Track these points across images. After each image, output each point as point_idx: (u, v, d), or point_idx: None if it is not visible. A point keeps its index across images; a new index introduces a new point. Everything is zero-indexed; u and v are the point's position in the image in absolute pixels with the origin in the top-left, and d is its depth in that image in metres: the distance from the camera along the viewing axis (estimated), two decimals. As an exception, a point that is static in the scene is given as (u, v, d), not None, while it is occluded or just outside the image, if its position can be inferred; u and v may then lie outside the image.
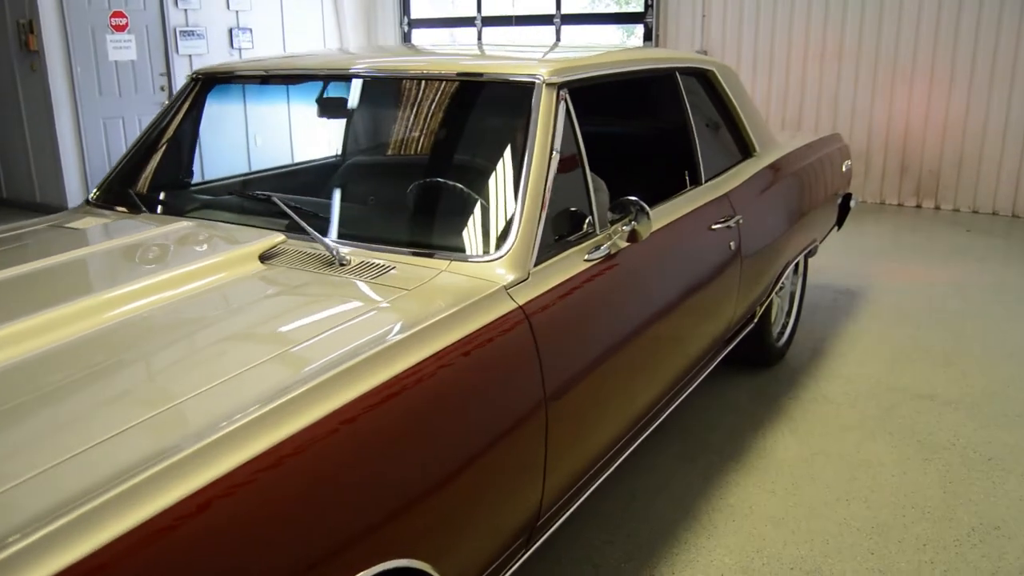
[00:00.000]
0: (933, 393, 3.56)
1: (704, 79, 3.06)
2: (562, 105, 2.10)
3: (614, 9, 8.71)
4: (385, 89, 2.34)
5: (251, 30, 9.13)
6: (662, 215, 2.47)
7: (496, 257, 1.83)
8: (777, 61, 7.78)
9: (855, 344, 4.13)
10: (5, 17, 7.70)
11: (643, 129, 3.45)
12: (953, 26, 6.97)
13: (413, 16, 10.05)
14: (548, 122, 2.03)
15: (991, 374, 3.75)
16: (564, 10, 8.82)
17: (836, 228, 4.58)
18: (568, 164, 2.10)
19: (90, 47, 7.81)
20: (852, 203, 4.59)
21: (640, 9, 8.32)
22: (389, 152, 2.40)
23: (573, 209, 2.09)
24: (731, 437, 3.19)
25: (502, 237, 1.87)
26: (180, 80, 8.57)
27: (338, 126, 2.73)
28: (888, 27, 7.24)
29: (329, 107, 2.46)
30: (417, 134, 2.24)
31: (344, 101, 2.43)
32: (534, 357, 1.74)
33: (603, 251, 2.08)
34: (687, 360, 2.68)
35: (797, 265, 4.10)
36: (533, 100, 2.06)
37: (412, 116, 2.21)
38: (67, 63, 7.69)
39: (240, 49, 9.06)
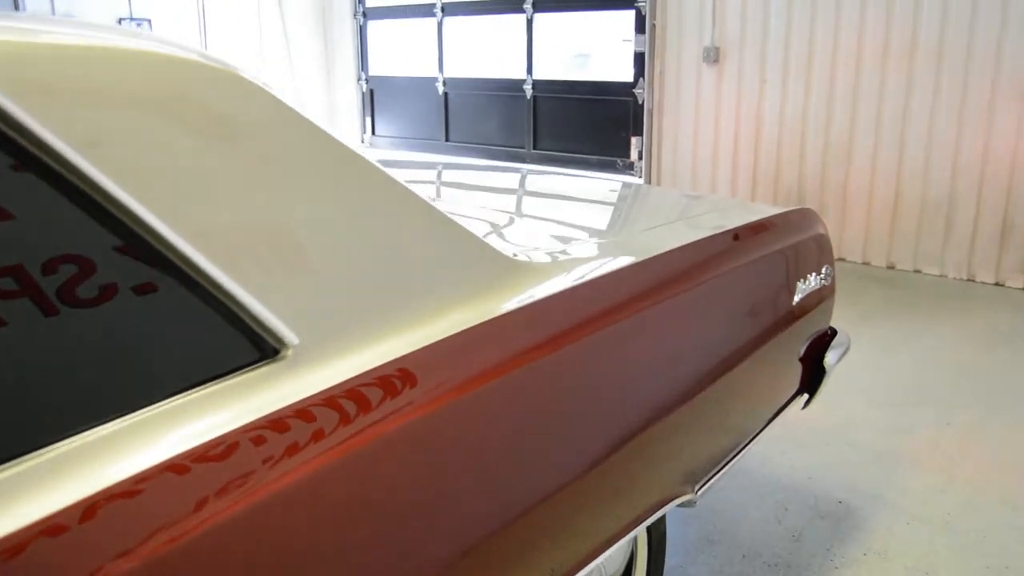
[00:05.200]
0: None
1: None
2: None
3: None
4: None
5: (150, 22, 7.24)
6: None
7: None
8: (818, 65, 5.27)
9: None
10: None
11: None
12: (1094, 9, 4.34)
13: (369, 5, 7.97)
14: None
15: None
16: (538, -6, 6.57)
17: (804, 401, 2.22)
18: None
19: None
20: (831, 358, 2.20)
21: (632, -9, 5.97)
22: None
23: None
24: None
25: None
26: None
27: None
28: (987, 14, 4.65)
29: None
30: None
31: None
32: None
33: None
34: None
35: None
36: None
37: None
38: None
39: (135, 45, 7.15)
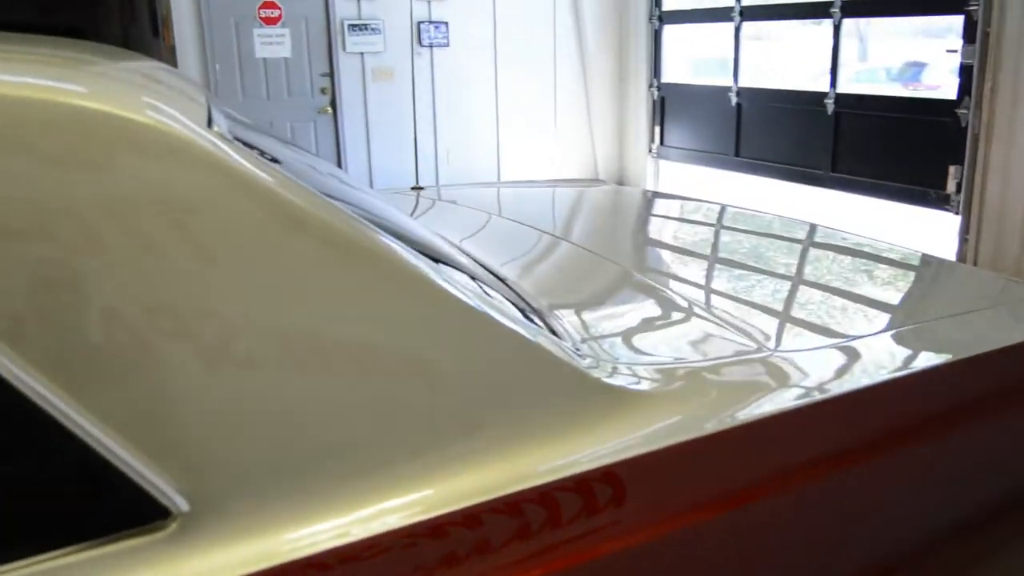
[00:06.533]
0: None
1: None
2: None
3: (923, -7, 5.47)
4: None
5: (447, 24, 7.41)
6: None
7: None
8: None
9: None
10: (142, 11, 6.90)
11: None
12: None
13: (665, 8, 7.58)
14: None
15: None
16: (849, -4, 5.77)
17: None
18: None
19: (232, 42, 6.70)
20: None
21: (963, -8, 5.03)
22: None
23: None
24: None
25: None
26: (346, 81, 7.17)
27: None
28: None
29: None
30: None
31: None
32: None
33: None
34: None
35: None
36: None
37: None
38: (203, 60, 6.65)
39: (431, 47, 7.40)
